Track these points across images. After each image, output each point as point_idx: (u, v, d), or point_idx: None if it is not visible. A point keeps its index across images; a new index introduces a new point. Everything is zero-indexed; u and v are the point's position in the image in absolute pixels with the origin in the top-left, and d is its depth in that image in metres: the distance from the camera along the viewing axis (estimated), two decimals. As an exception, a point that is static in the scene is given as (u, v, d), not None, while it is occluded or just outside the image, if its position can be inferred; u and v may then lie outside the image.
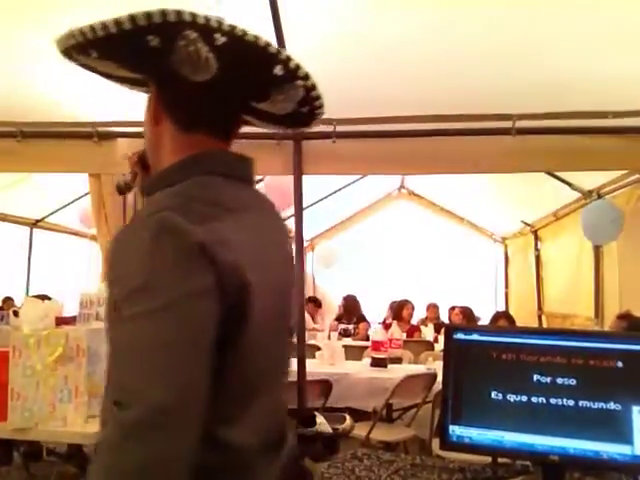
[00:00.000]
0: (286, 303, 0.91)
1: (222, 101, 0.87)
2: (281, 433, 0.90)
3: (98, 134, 2.86)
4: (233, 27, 0.75)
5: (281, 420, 0.92)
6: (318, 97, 0.92)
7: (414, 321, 6.11)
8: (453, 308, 5.84)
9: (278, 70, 0.81)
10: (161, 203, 0.78)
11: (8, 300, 5.46)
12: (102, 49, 0.80)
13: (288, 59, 0.82)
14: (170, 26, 0.74)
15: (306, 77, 0.87)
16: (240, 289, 0.73)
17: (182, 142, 0.88)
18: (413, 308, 5.90)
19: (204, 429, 0.69)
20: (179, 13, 0.73)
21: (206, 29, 0.74)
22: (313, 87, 0.90)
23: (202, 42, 0.75)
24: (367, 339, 5.42)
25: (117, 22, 0.74)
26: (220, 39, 0.75)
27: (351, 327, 5.81)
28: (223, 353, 0.73)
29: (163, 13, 0.73)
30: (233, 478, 0.78)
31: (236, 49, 0.77)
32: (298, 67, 0.84)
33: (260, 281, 0.76)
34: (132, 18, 0.73)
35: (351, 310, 5.99)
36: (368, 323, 5.91)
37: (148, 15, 0.73)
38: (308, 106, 0.93)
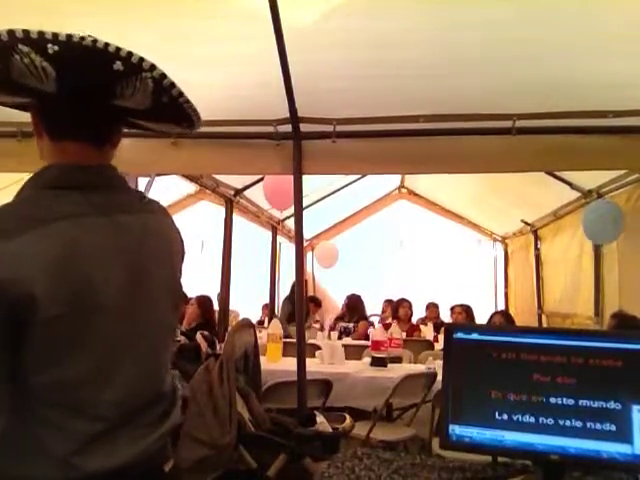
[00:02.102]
0: (141, 293, 1.00)
1: (75, 105, 0.97)
2: (142, 405, 1.01)
3: (98, 134, 2.86)
4: (70, 36, 0.85)
5: (142, 391, 1.02)
6: (172, 85, 0.97)
7: (414, 320, 6.12)
8: (454, 307, 5.85)
9: (118, 65, 0.89)
10: None
11: None
12: None
13: (129, 55, 0.90)
14: (4, 45, 0.84)
15: (151, 68, 0.92)
16: (21, 300, 0.83)
17: (53, 151, 1.00)
18: (410, 307, 5.91)
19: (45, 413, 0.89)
20: (10, 31, 0.84)
21: (39, 42, 0.84)
22: (162, 76, 0.94)
23: (35, 53, 0.85)
24: (366, 338, 5.44)
25: None
26: (53, 48, 0.84)
27: (351, 325, 5.81)
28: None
29: None
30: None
31: (72, 54, 0.86)
32: (142, 60, 0.91)
33: (63, 284, 0.87)
34: None
35: (354, 309, 5.97)
36: (369, 323, 5.91)
37: None
38: (166, 95, 0.98)
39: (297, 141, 2.84)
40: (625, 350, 1.30)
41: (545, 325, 5.35)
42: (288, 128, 2.78)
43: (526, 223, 5.84)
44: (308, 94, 2.52)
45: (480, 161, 2.80)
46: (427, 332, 5.62)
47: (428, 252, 7.10)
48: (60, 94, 0.94)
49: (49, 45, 0.84)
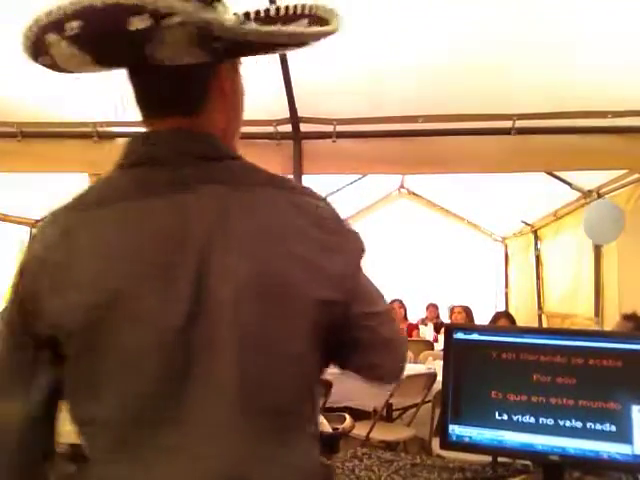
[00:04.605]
0: (208, 305, 0.69)
1: (140, 78, 0.77)
2: None
3: (98, 134, 2.86)
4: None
5: None
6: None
7: (415, 321, 6.13)
8: (453, 307, 5.85)
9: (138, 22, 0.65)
10: None
11: None
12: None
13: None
14: (35, 42, 0.70)
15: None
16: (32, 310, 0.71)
17: None
18: (401, 306, 5.92)
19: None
20: (35, 21, 0.69)
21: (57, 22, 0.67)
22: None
23: (61, 39, 0.68)
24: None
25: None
26: (71, 26, 0.66)
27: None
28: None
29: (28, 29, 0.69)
30: None
31: (90, 27, 0.67)
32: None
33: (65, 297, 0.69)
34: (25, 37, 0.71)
35: None
36: None
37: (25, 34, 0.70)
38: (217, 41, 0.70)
39: (297, 141, 2.84)
40: (625, 350, 1.30)
41: (545, 325, 5.35)
42: (288, 128, 2.79)
43: (526, 224, 5.84)
44: (308, 94, 2.52)
45: (480, 161, 2.80)
46: (427, 332, 5.63)
47: (428, 252, 7.09)
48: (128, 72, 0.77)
49: (67, 25, 0.66)
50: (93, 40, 0.69)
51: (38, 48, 0.71)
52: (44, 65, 0.75)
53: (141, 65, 0.73)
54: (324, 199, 0.81)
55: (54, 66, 0.74)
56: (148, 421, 0.68)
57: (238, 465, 0.69)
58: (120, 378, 0.68)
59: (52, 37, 0.68)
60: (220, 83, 0.79)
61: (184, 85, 0.77)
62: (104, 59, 0.73)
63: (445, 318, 6.30)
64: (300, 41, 0.75)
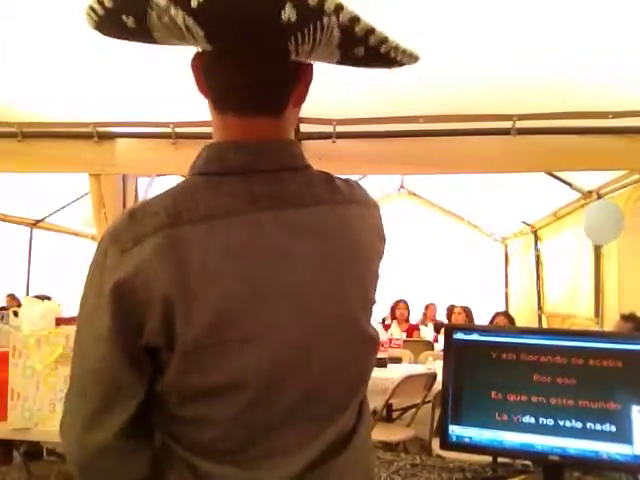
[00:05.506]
0: (317, 322, 0.76)
1: (235, 69, 0.72)
2: None
3: (98, 134, 2.86)
4: None
5: None
6: (370, 32, 0.67)
7: (414, 321, 6.12)
8: (452, 307, 5.85)
9: (289, 13, 0.61)
10: (122, 215, 0.74)
11: (12, 297, 5.52)
12: (108, 33, 0.73)
13: None
14: (137, 1, 0.64)
15: (337, 11, 0.63)
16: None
17: (217, 125, 0.79)
18: (406, 307, 5.91)
19: None
20: None
21: None
22: (352, 22, 0.65)
23: (175, 8, 0.63)
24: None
25: (92, 8, 0.67)
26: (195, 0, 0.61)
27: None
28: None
29: None
30: None
31: (221, 5, 0.63)
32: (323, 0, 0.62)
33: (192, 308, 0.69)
34: (100, 2, 0.65)
35: None
36: None
37: None
38: (360, 47, 0.69)
39: (297, 141, 2.83)
40: (625, 351, 1.30)
41: (545, 326, 5.35)
42: (288, 128, 2.78)
43: (526, 224, 5.85)
44: (308, 94, 2.52)
45: (480, 162, 2.80)
46: (427, 332, 5.63)
47: (428, 253, 7.09)
48: (217, 52, 0.72)
49: None
50: (220, 18, 0.64)
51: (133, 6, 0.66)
52: (122, 26, 0.68)
53: (256, 56, 0.71)
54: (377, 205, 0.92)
55: (134, 30, 0.68)
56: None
57: None
58: (235, 392, 0.72)
59: (161, 1, 0.63)
60: (303, 86, 0.82)
61: (281, 83, 0.77)
62: (221, 40, 0.68)
63: (442, 318, 6.29)
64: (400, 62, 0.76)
